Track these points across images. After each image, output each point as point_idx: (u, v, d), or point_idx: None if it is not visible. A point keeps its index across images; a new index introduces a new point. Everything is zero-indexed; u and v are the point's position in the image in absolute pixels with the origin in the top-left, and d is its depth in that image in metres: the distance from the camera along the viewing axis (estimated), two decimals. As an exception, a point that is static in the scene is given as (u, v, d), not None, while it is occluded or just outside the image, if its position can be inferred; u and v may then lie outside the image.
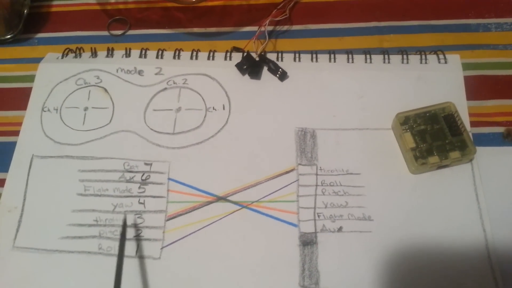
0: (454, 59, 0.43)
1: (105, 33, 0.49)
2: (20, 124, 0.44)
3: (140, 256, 0.37)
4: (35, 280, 0.37)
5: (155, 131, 0.42)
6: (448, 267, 0.36)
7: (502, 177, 0.39)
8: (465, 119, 0.40)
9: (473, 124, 0.41)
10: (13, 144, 0.43)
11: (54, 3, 0.52)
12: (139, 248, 0.38)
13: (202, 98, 0.44)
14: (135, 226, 0.39)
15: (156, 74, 0.45)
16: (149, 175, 0.41)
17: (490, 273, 0.35)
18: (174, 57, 0.46)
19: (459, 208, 0.38)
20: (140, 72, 0.45)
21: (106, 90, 0.45)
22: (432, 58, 0.44)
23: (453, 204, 0.38)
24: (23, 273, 0.38)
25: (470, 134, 0.40)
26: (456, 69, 0.43)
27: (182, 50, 0.46)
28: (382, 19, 0.47)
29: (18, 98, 0.46)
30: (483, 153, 0.39)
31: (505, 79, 0.43)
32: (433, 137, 0.39)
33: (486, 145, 0.40)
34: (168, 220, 0.39)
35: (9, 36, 0.49)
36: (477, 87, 0.43)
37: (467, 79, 0.43)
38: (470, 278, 0.35)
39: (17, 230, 0.39)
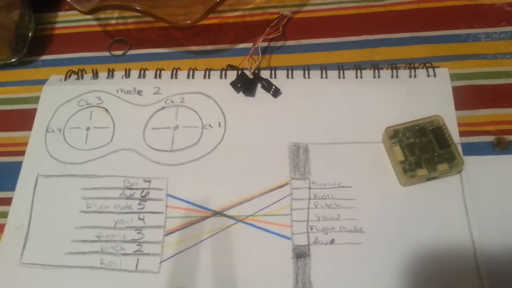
0: (443, 72, 0.44)
1: (107, 53, 0.51)
2: (25, 144, 0.46)
3: (140, 271, 0.39)
4: (42, 295, 0.39)
5: (154, 148, 0.44)
6: (438, 276, 0.37)
7: (491, 185, 0.39)
8: (454, 131, 0.41)
9: (463, 133, 0.42)
10: (19, 164, 0.45)
11: (57, 25, 0.54)
12: (138, 263, 0.39)
13: (199, 116, 0.45)
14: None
15: (154, 93, 0.47)
16: (148, 192, 0.42)
17: (478, 281, 0.36)
18: (171, 77, 0.48)
19: (448, 219, 0.38)
20: (139, 92, 0.47)
21: (107, 110, 0.46)
22: (421, 72, 0.44)
23: (443, 215, 0.39)
24: (30, 288, 0.40)
25: (459, 146, 0.40)
26: (444, 82, 0.44)
27: (180, 69, 0.48)
28: (373, 32, 0.48)
29: (24, 119, 0.48)
30: (473, 162, 0.40)
31: (495, 88, 0.44)
32: (422, 150, 0.40)
33: (476, 154, 0.41)
34: (166, 235, 0.40)
35: (14, 60, 0.51)
36: (467, 97, 0.44)
37: (457, 89, 0.44)
38: (459, 286, 0.36)
39: (24, 247, 0.41)
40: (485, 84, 0.44)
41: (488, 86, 0.44)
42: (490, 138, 0.42)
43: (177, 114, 0.45)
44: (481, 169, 0.40)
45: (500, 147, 0.41)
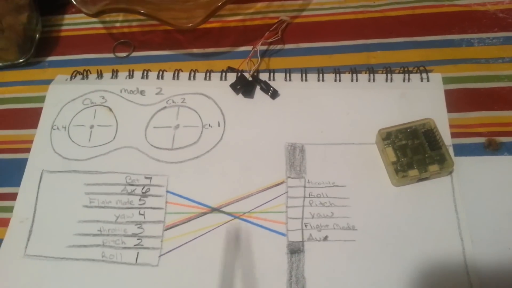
0: (436, 77, 0.45)
1: (111, 55, 0.53)
2: (31, 141, 0.47)
3: (140, 264, 0.41)
4: (45, 285, 0.40)
5: (155, 147, 0.46)
6: (427, 274, 0.38)
7: (482, 185, 0.41)
8: (446, 134, 0.42)
9: (456, 135, 0.43)
10: (25, 160, 0.46)
11: (64, 28, 0.56)
12: (138, 256, 0.41)
13: (199, 116, 0.47)
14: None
15: (156, 94, 0.48)
16: (149, 188, 0.44)
17: (467, 279, 0.37)
18: (173, 78, 0.49)
19: (439, 218, 0.40)
20: (142, 92, 0.49)
21: (110, 109, 0.48)
22: (414, 76, 0.46)
23: (433, 215, 0.40)
24: (34, 279, 0.41)
25: (451, 148, 0.42)
26: (437, 86, 0.45)
27: (181, 71, 0.49)
28: (370, 37, 0.50)
29: (30, 118, 0.49)
30: (464, 162, 0.42)
31: (487, 91, 0.45)
32: (414, 152, 0.41)
33: (468, 155, 0.42)
34: (166, 230, 0.42)
35: (22, 60, 0.52)
36: (460, 100, 0.45)
37: (450, 92, 0.45)
38: (448, 284, 0.37)
39: (28, 240, 0.43)
40: (478, 87, 0.46)
41: (480, 90, 0.46)
42: (482, 140, 0.43)
43: (178, 114, 0.47)
44: (472, 170, 0.41)
45: (491, 148, 0.43)
